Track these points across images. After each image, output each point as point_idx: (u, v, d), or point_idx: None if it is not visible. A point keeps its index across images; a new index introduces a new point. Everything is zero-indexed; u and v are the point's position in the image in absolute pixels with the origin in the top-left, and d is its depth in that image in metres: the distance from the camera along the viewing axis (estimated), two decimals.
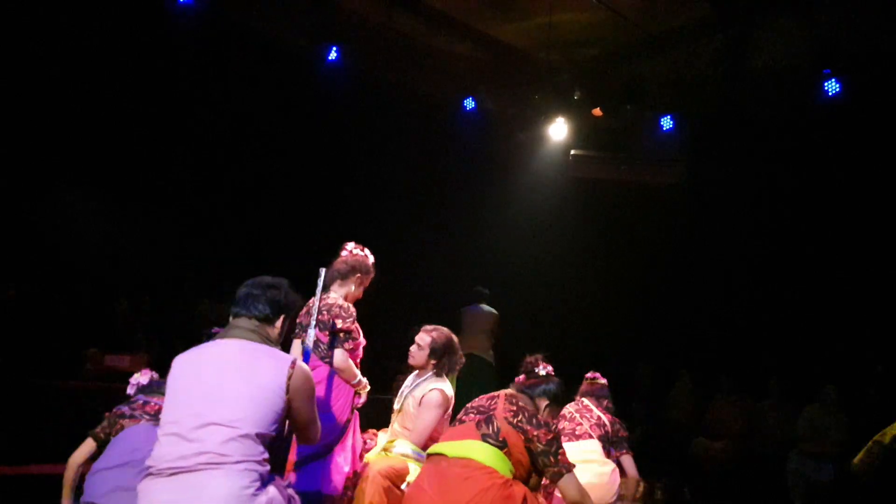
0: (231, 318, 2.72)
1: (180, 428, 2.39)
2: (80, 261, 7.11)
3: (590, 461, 4.20)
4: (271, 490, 2.42)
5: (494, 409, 3.10)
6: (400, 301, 6.89)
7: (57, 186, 7.22)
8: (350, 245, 4.15)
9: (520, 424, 3.04)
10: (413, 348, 4.21)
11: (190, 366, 2.57)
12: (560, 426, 4.37)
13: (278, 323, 2.75)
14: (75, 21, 7.07)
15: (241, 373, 2.49)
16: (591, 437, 4.36)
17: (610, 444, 4.45)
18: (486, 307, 7.59)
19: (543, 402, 3.30)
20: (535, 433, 3.04)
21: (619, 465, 4.55)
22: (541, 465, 3.05)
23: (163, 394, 3.57)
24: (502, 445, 2.99)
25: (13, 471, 5.13)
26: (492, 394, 3.25)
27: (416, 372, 4.24)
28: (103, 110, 7.39)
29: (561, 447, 3.07)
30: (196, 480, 2.31)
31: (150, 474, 2.39)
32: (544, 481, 4.19)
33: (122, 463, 3.33)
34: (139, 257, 7.32)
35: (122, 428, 3.56)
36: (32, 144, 7.00)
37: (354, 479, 3.80)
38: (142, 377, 3.85)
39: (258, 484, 2.37)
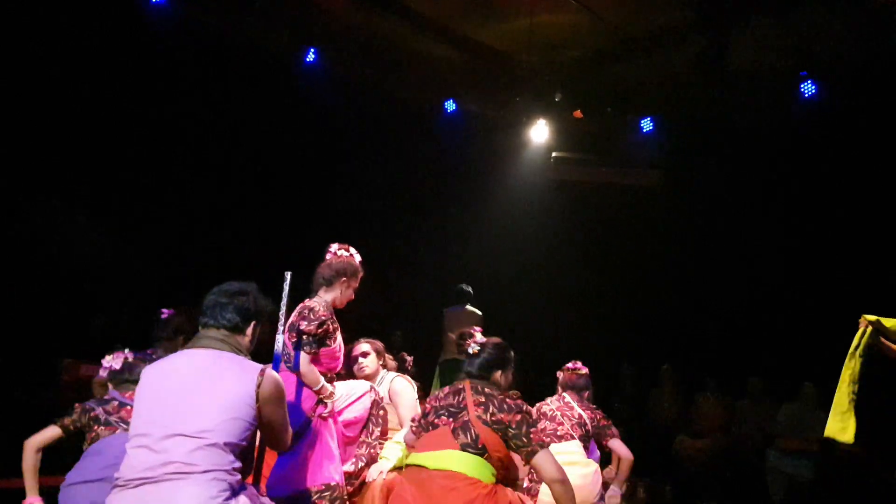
0: (200, 328, 2.66)
1: (147, 440, 2.35)
2: (57, 270, 7.01)
3: (573, 463, 4.22)
4: (242, 499, 2.39)
5: (465, 406, 3.06)
6: (383, 305, 6.87)
7: (35, 197, 7.11)
8: (334, 246, 4.01)
9: (493, 418, 3.00)
10: (362, 360, 4.36)
11: (157, 376, 2.52)
12: (541, 426, 4.37)
13: (248, 330, 2.69)
14: (55, 31, 6.99)
15: (208, 382, 2.45)
16: (572, 437, 4.36)
17: (596, 436, 4.43)
18: (469, 308, 7.56)
19: (497, 374, 3.24)
20: (508, 419, 3.00)
21: (606, 458, 4.56)
22: (514, 447, 3.03)
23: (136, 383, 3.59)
24: (482, 452, 2.98)
25: None
26: (454, 387, 3.19)
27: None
28: (81, 121, 7.29)
29: (533, 426, 3.03)
30: (163, 491, 2.28)
31: (118, 486, 2.35)
32: (526, 483, 4.23)
33: (98, 478, 3.30)
34: (118, 268, 7.23)
35: (98, 437, 3.52)
36: (9, 155, 6.89)
37: (334, 489, 3.75)
38: (114, 360, 3.78)
39: (227, 493, 2.33)
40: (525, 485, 4.36)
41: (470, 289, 7.69)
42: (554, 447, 4.20)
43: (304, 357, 3.70)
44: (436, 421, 3.09)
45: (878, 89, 7.22)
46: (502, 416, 3.00)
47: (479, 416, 3.01)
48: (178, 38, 7.48)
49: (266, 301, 2.79)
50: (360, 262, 4.03)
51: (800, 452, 6.88)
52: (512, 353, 3.34)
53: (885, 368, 7.07)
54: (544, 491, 4.13)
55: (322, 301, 3.85)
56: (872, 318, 4.03)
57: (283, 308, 3.37)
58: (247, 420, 2.44)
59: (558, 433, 4.35)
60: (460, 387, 3.17)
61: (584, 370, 4.70)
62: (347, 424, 3.94)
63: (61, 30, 7.00)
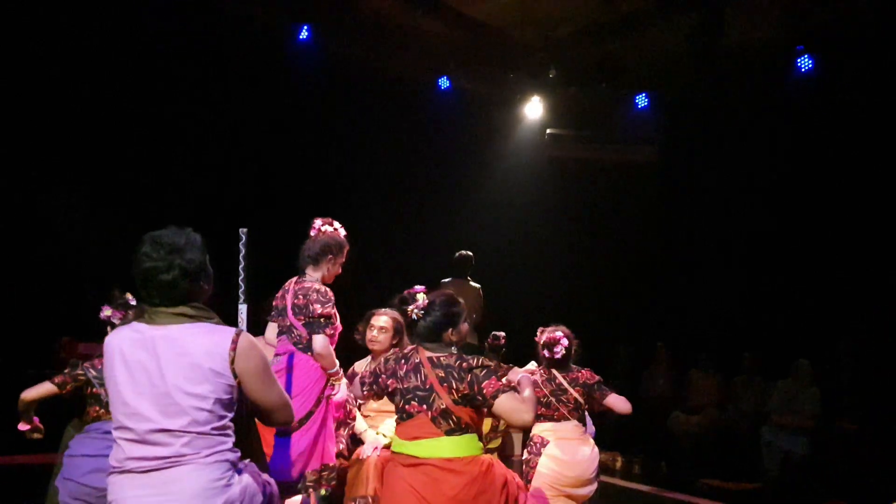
0: (147, 308, 2.38)
1: (135, 434, 2.26)
2: (50, 248, 6.98)
3: (570, 439, 4.24)
4: (245, 478, 2.37)
5: (431, 387, 2.94)
6: (376, 284, 6.84)
7: (34, 180, 7.07)
8: (318, 222, 3.93)
9: (460, 395, 2.92)
10: (375, 334, 4.20)
11: (124, 358, 2.30)
12: (538, 412, 4.33)
13: (203, 287, 2.41)
14: (49, 21, 6.92)
15: (178, 366, 2.26)
16: (568, 419, 4.34)
17: (589, 400, 4.36)
18: (467, 283, 7.11)
19: (448, 333, 3.08)
20: (465, 388, 2.90)
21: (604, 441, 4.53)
22: (477, 407, 2.95)
23: None
24: (466, 430, 2.95)
25: None
26: (411, 361, 3.04)
27: (372, 358, 4.29)
28: (75, 106, 7.23)
29: (486, 378, 2.91)
30: (166, 476, 2.25)
31: (116, 472, 2.31)
32: (525, 455, 4.25)
33: (99, 454, 3.37)
34: (112, 247, 7.19)
35: (100, 418, 3.59)
36: (9, 140, 6.85)
37: (331, 469, 3.76)
38: (113, 316, 3.81)
39: (230, 473, 2.32)
40: (524, 457, 4.39)
41: (471, 254, 7.21)
42: (551, 426, 4.27)
43: (322, 339, 3.68)
44: (408, 408, 2.99)
45: (875, 63, 7.18)
46: (463, 387, 2.91)
47: (451, 398, 2.92)
48: (170, 17, 7.40)
49: (201, 238, 2.41)
50: (345, 235, 3.97)
51: (794, 428, 6.92)
52: (460, 305, 3.15)
53: (881, 350, 7.14)
54: (542, 462, 4.17)
55: (314, 279, 3.83)
56: None
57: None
58: (228, 396, 2.31)
59: (554, 417, 4.33)
60: (416, 360, 3.03)
61: (561, 344, 4.38)
62: (336, 407, 3.95)
63: (60, 26, 6.97)
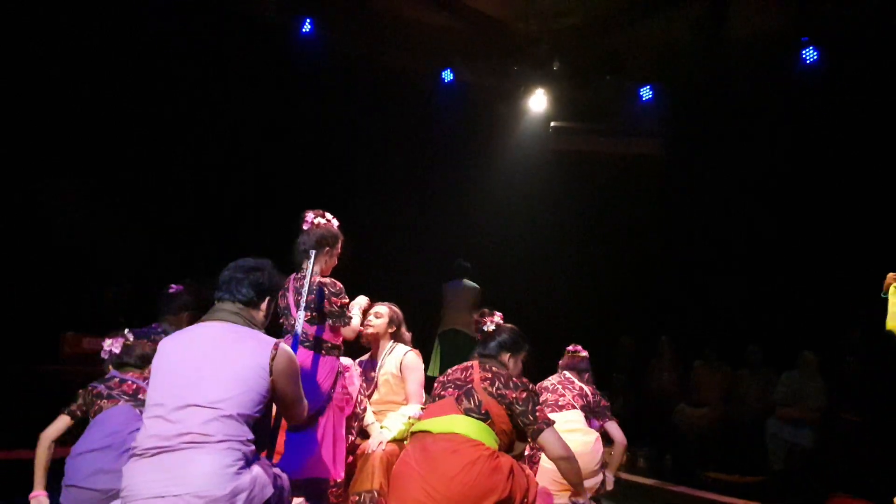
0: (215, 302, 2.71)
1: (163, 410, 2.40)
2: (54, 243, 7.00)
3: (573, 430, 4.24)
4: (255, 469, 2.43)
5: (471, 380, 3.12)
6: (381, 277, 6.84)
7: (34, 173, 7.07)
8: (310, 215, 3.85)
9: (498, 392, 3.07)
10: (371, 318, 4.25)
11: (174, 348, 2.56)
12: (543, 398, 4.39)
13: (263, 305, 2.76)
14: (51, 18, 6.92)
15: (223, 354, 2.50)
16: (573, 407, 4.38)
17: (593, 415, 4.47)
18: (467, 282, 7.53)
19: (506, 356, 3.31)
20: (514, 395, 3.07)
21: (604, 436, 4.58)
22: (521, 424, 3.08)
23: (136, 366, 3.63)
24: (485, 417, 3.02)
25: None
26: (464, 364, 3.27)
27: (370, 353, 4.33)
28: (82, 99, 7.23)
29: (539, 404, 3.11)
30: (179, 459, 2.32)
31: (134, 455, 2.39)
32: (527, 451, 4.25)
33: (102, 446, 3.36)
34: (116, 240, 7.21)
35: (101, 409, 3.55)
36: (13, 132, 6.85)
37: (339, 486, 3.74)
38: (114, 345, 3.79)
39: (241, 463, 2.38)
40: (527, 452, 4.39)
41: (468, 264, 7.64)
42: (555, 416, 4.21)
43: (349, 329, 3.75)
44: (443, 393, 3.17)
45: (881, 55, 7.13)
46: (507, 391, 3.07)
47: (485, 387, 3.08)
48: (173, 12, 7.40)
49: (280, 277, 2.86)
50: (338, 226, 3.92)
51: (800, 421, 6.91)
52: (526, 343, 3.40)
53: (886, 342, 7.10)
54: (545, 458, 4.15)
55: (314, 273, 3.80)
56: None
57: (307, 286, 3.39)
58: (260, 392, 2.49)
59: (559, 403, 4.37)
60: (469, 364, 3.23)
61: (584, 353, 4.75)
62: (349, 402, 3.91)
63: (61, 22, 6.97)
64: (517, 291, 8.96)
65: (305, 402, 2.80)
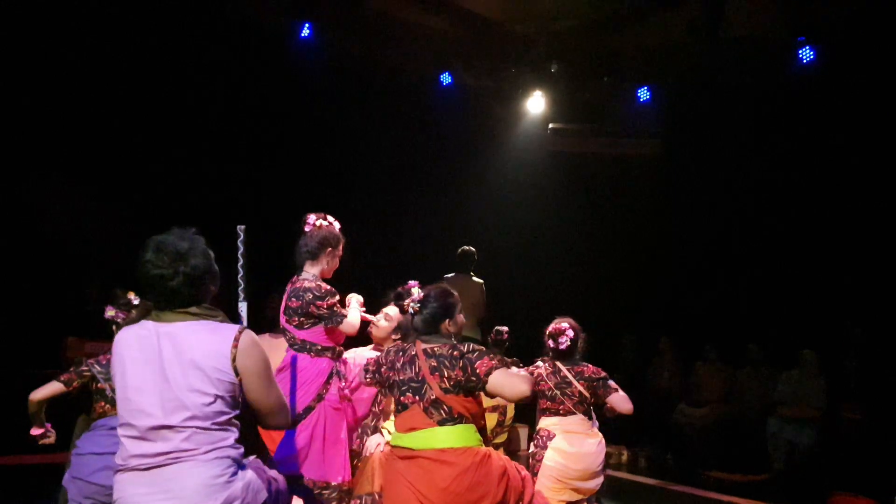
0: (153, 310, 2.41)
1: (137, 431, 2.28)
2: (56, 247, 7.01)
3: (576, 433, 4.21)
4: (248, 474, 2.37)
5: (423, 378, 2.98)
6: (380, 279, 6.85)
7: (32, 172, 7.09)
8: (311, 218, 3.86)
9: (452, 383, 2.94)
10: (381, 319, 4.15)
11: (130, 355, 2.34)
12: (543, 405, 4.34)
13: (210, 288, 2.45)
14: (54, 16, 6.94)
15: (181, 363, 2.28)
16: (573, 413, 4.32)
17: (595, 396, 4.32)
18: (470, 278, 7.11)
19: (445, 324, 3.12)
20: (458, 374, 2.93)
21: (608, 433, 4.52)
22: (474, 390, 2.97)
23: None
24: (459, 419, 2.96)
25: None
26: (408, 354, 3.07)
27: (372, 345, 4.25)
28: (85, 102, 7.25)
29: (479, 358, 2.94)
30: (167, 474, 2.26)
31: (121, 470, 2.32)
32: (531, 448, 4.23)
33: (109, 451, 3.34)
34: (117, 243, 7.22)
35: (105, 414, 3.59)
36: (7, 129, 6.86)
37: (333, 489, 3.70)
38: (117, 317, 3.78)
39: (232, 469, 2.31)
40: (531, 450, 4.38)
41: (474, 249, 7.22)
42: (557, 419, 4.25)
43: (347, 324, 3.70)
44: (403, 399, 3.03)
45: (877, 54, 7.15)
46: (455, 373, 2.94)
47: (441, 386, 2.95)
48: (173, 15, 7.42)
49: (206, 244, 2.45)
50: (339, 228, 3.93)
51: (800, 420, 6.92)
52: (454, 296, 3.18)
53: (887, 340, 7.12)
54: (548, 455, 4.15)
55: (312, 276, 3.81)
56: None
57: (241, 264, 3.31)
58: (230, 393, 2.32)
59: (560, 411, 4.31)
60: (413, 352, 3.07)
61: (567, 335, 4.35)
62: (361, 402, 3.92)
63: (65, 22, 6.99)
64: (516, 292, 8.98)
65: (287, 409, 2.56)
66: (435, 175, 9.37)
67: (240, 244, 3.28)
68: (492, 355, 3.02)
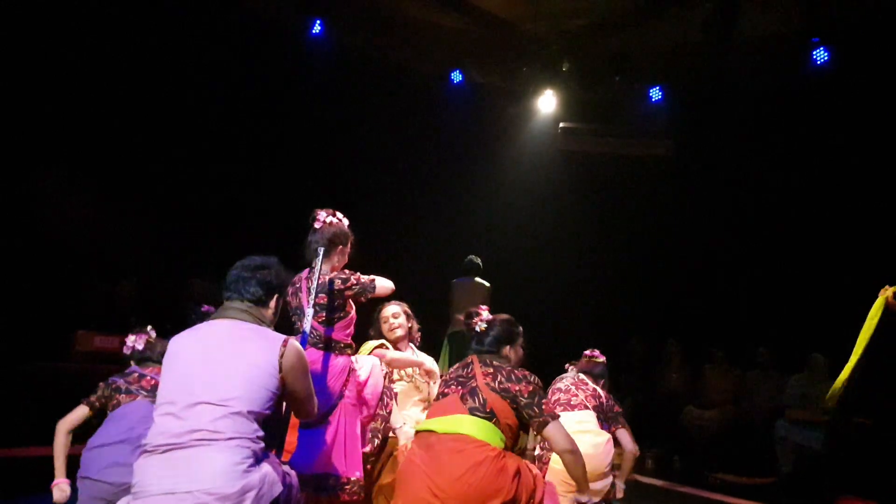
0: (224, 301, 2.73)
1: (174, 407, 2.41)
2: (65, 241, 7.04)
3: (585, 431, 4.22)
4: (265, 467, 2.44)
5: (473, 376, 3.10)
6: (388, 276, 6.87)
7: (40, 167, 7.11)
8: (321, 214, 3.87)
9: (501, 386, 3.05)
10: (393, 320, 4.32)
11: (184, 346, 2.57)
12: (555, 397, 4.38)
13: (272, 303, 2.77)
14: (59, 13, 6.96)
15: (233, 352, 2.51)
16: (586, 407, 4.35)
17: (605, 420, 4.43)
18: (477, 280, 7.41)
19: (506, 349, 3.30)
20: (517, 388, 3.05)
21: (615, 441, 4.56)
22: (526, 417, 3.06)
23: (157, 362, 3.67)
24: (490, 416, 3.01)
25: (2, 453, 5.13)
26: (464, 361, 3.25)
27: (392, 347, 4.34)
28: (94, 95, 7.27)
29: (544, 397, 3.10)
30: (189, 456, 2.33)
31: (146, 451, 2.41)
32: (538, 451, 4.24)
33: (119, 440, 3.41)
34: (126, 238, 7.25)
35: (119, 403, 3.61)
36: (14, 125, 6.89)
37: (353, 483, 3.74)
38: (137, 341, 3.86)
39: (251, 460, 2.39)
40: (537, 452, 4.38)
41: (479, 261, 7.53)
42: (567, 415, 4.24)
43: (381, 286, 3.76)
44: (446, 391, 3.15)
45: (891, 55, 7.10)
46: (511, 385, 3.05)
47: (488, 383, 3.06)
48: (184, 11, 7.43)
49: (288, 274, 2.88)
50: (348, 225, 3.94)
51: (809, 423, 6.87)
52: (520, 329, 3.38)
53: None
54: (555, 459, 4.13)
55: (324, 271, 3.82)
56: (894, 288, 4.19)
57: (315, 283, 3.43)
58: (270, 389, 2.50)
59: (571, 402, 4.34)
60: (468, 361, 3.21)
61: (602, 358, 4.71)
62: (366, 403, 3.91)
63: (72, 18, 7.00)
64: (525, 292, 8.96)
65: (316, 399, 2.82)
66: (444, 173, 9.37)
67: (317, 262, 3.36)
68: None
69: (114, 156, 7.48)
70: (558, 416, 3.12)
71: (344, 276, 3.74)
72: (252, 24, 7.92)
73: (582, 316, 8.89)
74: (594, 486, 4.17)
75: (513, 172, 9.52)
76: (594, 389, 4.43)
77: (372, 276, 3.82)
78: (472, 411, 3.01)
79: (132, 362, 3.86)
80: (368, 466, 3.82)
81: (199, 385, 2.44)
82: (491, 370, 3.11)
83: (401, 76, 8.84)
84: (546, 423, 3.04)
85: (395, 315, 4.36)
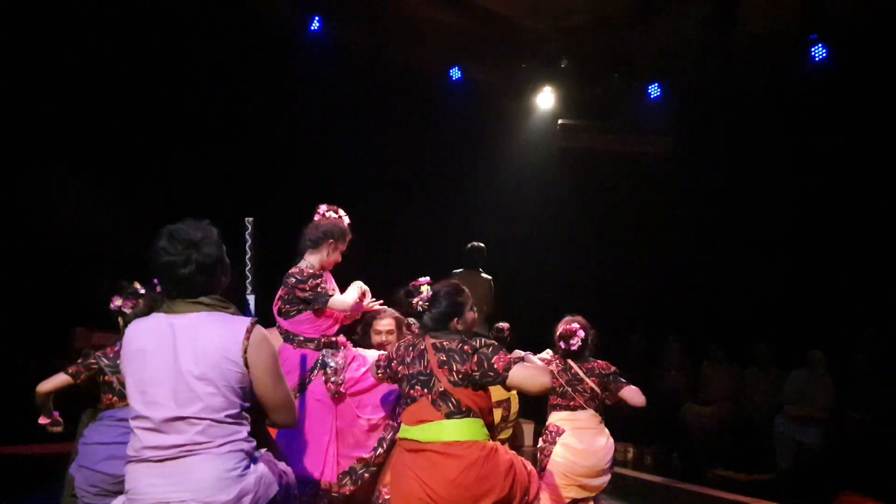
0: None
1: (151, 423, 2.29)
2: (63, 238, 7.03)
3: (586, 428, 4.21)
4: (260, 468, 2.39)
5: (431, 371, 3.00)
6: (386, 273, 6.86)
7: (39, 166, 7.11)
8: (323, 208, 3.90)
9: (460, 375, 2.96)
10: (384, 338, 4.18)
11: (146, 346, 2.35)
12: (554, 401, 4.34)
13: (224, 280, 2.50)
14: (60, 12, 6.95)
15: (193, 354, 2.30)
16: (584, 408, 4.32)
17: (606, 392, 4.31)
18: (480, 274, 7.10)
19: (454, 322, 3.15)
20: (469, 368, 2.96)
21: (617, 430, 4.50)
22: (487, 383, 3.00)
23: None
24: (467, 413, 2.97)
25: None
26: (417, 348, 3.10)
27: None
28: (92, 92, 7.26)
29: (496, 354, 2.97)
30: (181, 466, 2.27)
31: (134, 461, 2.33)
32: (539, 443, 4.24)
33: (114, 441, 3.41)
34: (126, 235, 7.24)
35: (113, 405, 3.61)
36: (14, 125, 6.88)
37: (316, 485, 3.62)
38: (124, 305, 3.77)
39: (245, 463, 2.34)
40: (539, 445, 4.38)
41: (483, 246, 7.21)
42: (568, 414, 4.24)
43: (338, 303, 3.66)
44: (412, 392, 3.06)
45: (890, 52, 7.10)
46: (465, 367, 2.97)
47: (449, 379, 2.98)
48: (183, 7, 7.42)
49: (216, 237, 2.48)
50: (348, 224, 3.94)
51: (808, 419, 6.89)
52: (465, 294, 3.22)
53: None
54: (557, 451, 4.15)
55: (306, 263, 3.80)
56: None
57: (249, 257, 3.37)
58: (241, 385, 2.35)
59: (571, 405, 4.31)
60: (422, 347, 3.10)
61: (578, 336, 4.34)
62: (369, 406, 3.79)
63: (73, 16, 6.99)
64: (524, 288, 8.96)
65: (293, 403, 2.57)
66: (443, 170, 9.36)
67: (248, 237, 3.28)
68: (504, 350, 3.05)
69: (113, 154, 7.46)
70: (516, 360, 3.00)
71: (302, 277, 3.69)
72: (251, 20, 7.91)
73: (580, 313, 8.86)
74: (593, 482, 4.17)
75: (511, 169, 9.51)
76: (591, 389, 4.30)
77: (332, 293, 3.72)
78: (448, 416, 2.96)
79: (119, 319, 3.78)
80: (367, 475, 3.70)
81: (169, 399, 2.27)
82: (444, 357, 3.00)
83: (399, 73, 8.82)
84: (505, 378, 2.93)
85: (390, 332, 4.23)
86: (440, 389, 2.98)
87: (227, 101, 7.92)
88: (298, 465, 3.49)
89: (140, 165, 7.55)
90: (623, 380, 4.26)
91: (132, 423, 2.34)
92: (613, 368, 4.32)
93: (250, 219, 3.37)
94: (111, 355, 3.65)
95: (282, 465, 2.58)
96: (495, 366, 2.94)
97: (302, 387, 3.69)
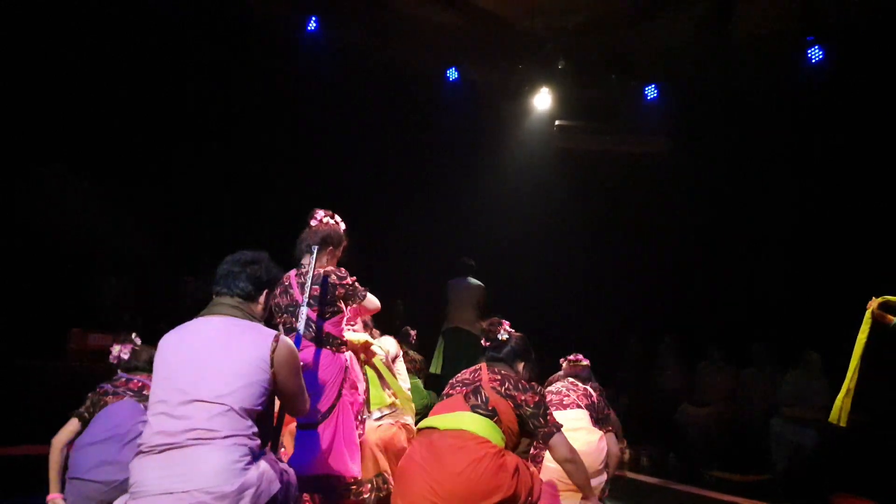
0: (213, 296, 2.70)
1: (167, 407, 2.39)
2: (60, 239, 7.02)
3: (577, 428, 4.22)
4: (262, 464, 2.44)
5: (480, 380, 3.15)
6: (384, 275, 6.86)
7: (34, 164, 7.09)
8: (319, 213, 3.91)
9: (507, 392, 3.10)
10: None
11: (174, 344, 2.55)
12: (547, 399, 4.37)
13: (261, 298, 2.75)
14: (61, 10, 6.95)
15: (224, 349, 2.49)
16: (578, 406, 4.35)
17: (597, 420, 4.41)
18: (472, 280, 7.54)
19: (520, 365, 3.36)
20: (523, 398, 3.10)
21: None
22: (531, 427, 3.12)
23: (144, 370, 3.65)
24: (492, 415, 3.03)
25: None
26: (474, 367, 3.30)
27: None
28: (90, 91, 7.25)
29: (548, 409, 3.17)
30: (187, 455, 2.32)
31: (142, 452, 2.39)
32: (532, 450, 4.25)
33: (105, 438, 3.40)
34: (121, 236, 7.24)
35: (106, 404, 3.59)
36: (8, 121, 6.87)
37: (360, 484, 3.80)
38: (123, 351, 3.84)
39: (248, 458, 2.39)
40: (531, 451, 4.39)
41: (472, 262, 7.64)
42: (559, 413, 4.22)
43: (370, 301, 3.80)
44: (451, 392, 3.19)
45: (886, 54, 7.11)
46: (517, 393, 3.11)
47: (493, 386, 3.11)
48: (180, 8, 7.41)
49: (278, 270, 2.84)
50: (344, 229, 3.96)
51: (804, 420, 6.89)
52: (532, 352, 3.46)
53: (892, 342, 7.08)
54: (549, 457, 4.14)
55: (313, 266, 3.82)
56: (879, 300, 4.17)
57: (310, 278, 3.44)
58: (262, 385, 2.48)
59: (564, 402, 4.34)
60: (478, 367, 3.28)
61: (586, 362, 4.73)
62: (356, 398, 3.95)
63: (73, 16, 6.98)
64: (522, 289, 8.96)
65: (307, 395, 2.80)
66: (440, 171, 9.36)
67: (312, 259, 3.38)
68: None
69: (111, 154, 7.46)
70: (561, 426, 3.19)
71: (340, 274, 3.75)
72: (247, 20, 7.90)
73: (578, 313, 8.89)
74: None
75: (508, 170, 9.52)
76: (585, 389, 4.43)
77: (366, 289, 3.84)
78: (474, 409, 3.04)
79: (119, 370, 3.83)
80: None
81: (192, 383, 2.42)
82: (499, 377, 3.16)
83: (396, 73, 8.83)
84: (551, 434, 3.12)
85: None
86: (478, 385, 3.13)
87: (223, 102, 7.92)
88: (348, 467, 3.63)
89: (140, 165, 7.54)
90: (612, 425, 4.49)
91: (150, 413, 2.45)
92: (608, 412, 4.50)
93: None
94: (119, 385, 3.65)
95: (283, 465, 2.64)
96: (549, 418, 3.14)
97: (339, 393, 3.75)
